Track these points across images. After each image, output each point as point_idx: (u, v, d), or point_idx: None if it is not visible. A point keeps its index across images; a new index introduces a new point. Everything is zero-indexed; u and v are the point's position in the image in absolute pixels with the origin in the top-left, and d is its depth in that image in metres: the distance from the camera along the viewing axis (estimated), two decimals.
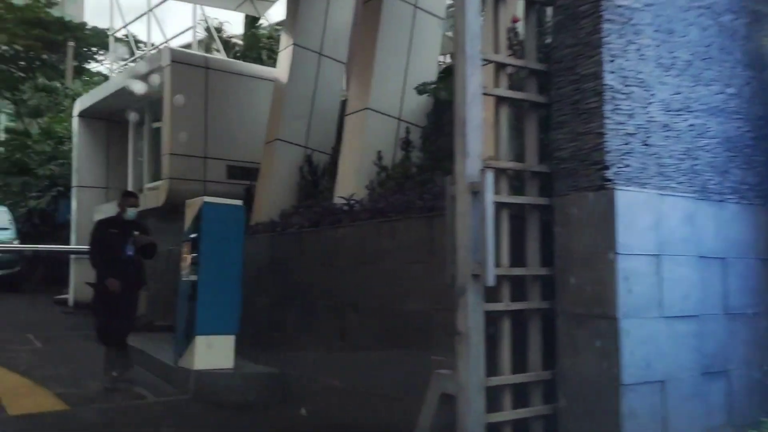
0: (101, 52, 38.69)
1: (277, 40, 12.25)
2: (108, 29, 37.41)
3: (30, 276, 14.73)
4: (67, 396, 5.61)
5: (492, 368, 3.37)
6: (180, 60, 9.22)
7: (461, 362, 3.31)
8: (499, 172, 3.53)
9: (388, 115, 7.02)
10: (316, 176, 8.50)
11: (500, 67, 3.70)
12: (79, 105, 12.21)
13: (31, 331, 8.97)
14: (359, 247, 5.43)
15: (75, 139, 12.45)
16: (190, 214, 6.47)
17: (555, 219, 3.50)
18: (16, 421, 4.94)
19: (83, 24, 42.86)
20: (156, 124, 10.93)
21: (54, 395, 5.63)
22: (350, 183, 6.72)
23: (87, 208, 11.93)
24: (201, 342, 6.12)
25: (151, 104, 10.95)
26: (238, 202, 6.63)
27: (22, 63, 37.30)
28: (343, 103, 8.91)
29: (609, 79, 3.30)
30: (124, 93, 10.78)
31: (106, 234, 6.32)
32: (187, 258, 6.43)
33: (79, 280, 11.98)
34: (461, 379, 3.31)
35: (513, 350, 3.50)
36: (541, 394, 3.51)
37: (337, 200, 6.52)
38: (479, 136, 3.38)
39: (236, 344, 6.28)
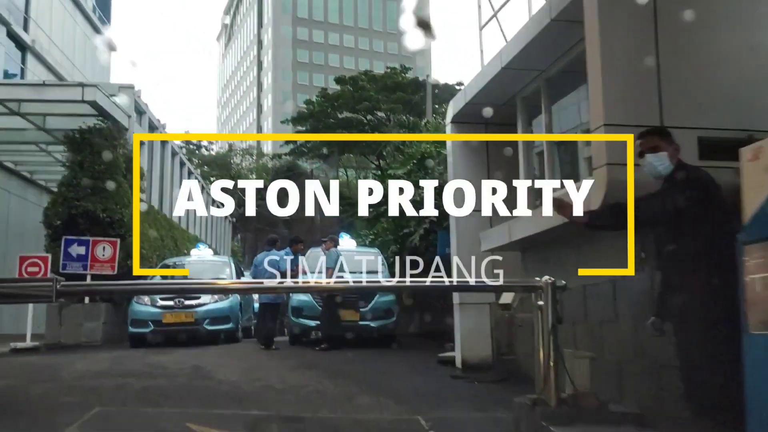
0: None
1: None
2: (457, 84, 36.94)
3: (407, 327, 12.73)
4: None
5: None
6: None
7: None
8: None
9: None
10: None
11: None
12: (452, 108, 9.64)
13: (417, 407, 6.19)
14: None
15: (449, 154, 9.91)
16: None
17: None
18: None
19: (435, 82, 44.25)
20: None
21: None
22: None
23: (469, 239, 9.11)
24: None
25: (549, 81, 7.76)
26: None
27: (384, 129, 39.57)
28: None
29: None
30: (508, 72, 7.81)
31: None
32: None
33: (467, 331, 9.18)
34: None
35: None
36: None
37: None
38: None
39: None
